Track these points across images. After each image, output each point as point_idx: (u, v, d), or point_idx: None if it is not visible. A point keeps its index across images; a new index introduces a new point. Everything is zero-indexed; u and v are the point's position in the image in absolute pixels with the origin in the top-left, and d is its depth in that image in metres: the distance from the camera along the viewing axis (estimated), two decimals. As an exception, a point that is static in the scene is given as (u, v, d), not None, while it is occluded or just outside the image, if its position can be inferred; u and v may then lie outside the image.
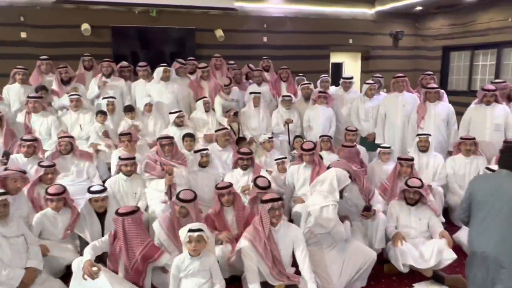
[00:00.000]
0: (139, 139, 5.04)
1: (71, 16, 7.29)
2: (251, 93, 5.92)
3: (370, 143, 5.66)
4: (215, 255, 3.06)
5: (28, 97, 5.13)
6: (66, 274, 3.43)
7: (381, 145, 4.88)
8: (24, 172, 3.62)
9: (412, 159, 4.18)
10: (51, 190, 3.50)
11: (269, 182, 3.83)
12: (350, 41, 9.47)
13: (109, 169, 4.93)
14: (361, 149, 5.12)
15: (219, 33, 8.13)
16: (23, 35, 7.12)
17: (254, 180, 3.84)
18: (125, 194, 4.15)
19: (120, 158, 4.24)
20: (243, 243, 3.02)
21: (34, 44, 7.12)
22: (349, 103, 6.11)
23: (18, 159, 4.26)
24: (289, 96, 5.97)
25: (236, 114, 5.77)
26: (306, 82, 6.28)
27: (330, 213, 3.18)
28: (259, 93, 5.92)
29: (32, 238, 3.19)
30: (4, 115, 4.84)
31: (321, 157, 4.51)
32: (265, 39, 8.71)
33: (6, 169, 3.57)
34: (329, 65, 9.48)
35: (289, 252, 3.12)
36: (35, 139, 4.42)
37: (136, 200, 4.18)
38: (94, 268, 2.84)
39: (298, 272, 3.12)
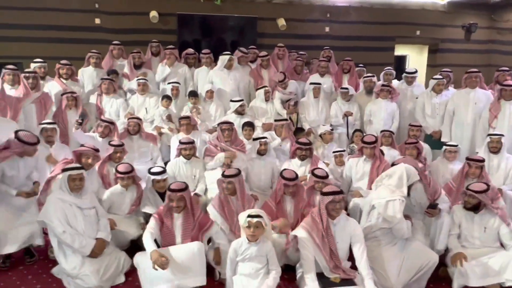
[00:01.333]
0: (197, 123, 5.19)
1: (141, 4, 7.60)
2: (311, 83, 5.85)
3: (435, 141, 5.39)
4: (272, 242, 3.09)
5: (102, 78, 5.47)
6: (129, 248, 3.66)
7: (448, 143, 4.64)
8: (97, 150, 3.88)
9: (482, 160, 3.92)
10: (121, 168, 3.72)
11: (326, 173, 3.80)
12: (418, 33, 9.00)
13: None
14: (425, 146, 4.90)
15: (281, 22, 8.09)
16: (97, 21, 7.56)
17: (312, 171, 3.83)
18: (185, 177, 4.30)
19: (180, 142, 4.40)
20: (300, 232, 3.03)
21: (106, 30, 7.54)
22: (412, 98, 5.86)
23: (95, 137, 4.56)
24: (346, 89, 5.82)
25: (296, 104, 5.75)
26: (369, 74, 6.08)
27: (396, 208, 3.09)
28: (320, 84, 5.84)
29: (102, 211, 3.44)
30: (79, 95, 5.19)
31: (382, 152, 4.38)
32: (327, 29, 8.53)
33: (82, 146, 3.85)
34: (393, 57, 9.10)
35: (346, 246, 3.08)
36: (112, 122, 4.71)
37: (195, 182, 4.33)
38: (164, 258, 2.90)
39: (353, 267, 3.08)
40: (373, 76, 6.06)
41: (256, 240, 2.92)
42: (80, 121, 4.63)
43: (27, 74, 4.82)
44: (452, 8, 9.01)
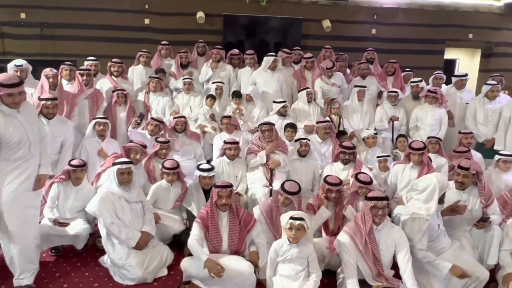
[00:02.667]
0: (238, 123, 5.24)
1: (189, 5, 7.78)
2: (355, 86, 5.76)
3: (486, 150, 5.12)
4: (313, 245, 3.06)
5: (150, 77, 5.66)
6: (172, 242, 3.77)
7: (501, 152, 4.39)
8: (145, 147, 4.02)
9: (543, 172, 3.69)
10: (168, 164, 3.83)
11: (370, 178, 3.72)
12: (470, 36, 8.61)
13: (212, 150, 5.22)
14: (477, 155, 4.68)
15: (326, 23, 8.01)
16: (147, 21, 7.82)
17: (355, 175, 3.75)
18: (228, 176, 4.35)
19: (224, 142, 4.46)
20: (343, 237, 2.98)
21: (155, 30, 7.78)
22: (461, 104, 5.62)
23: (145, 135, 4.72)
24: (396, 92, 5.68)
25: (333, 100, 5.69)
26: (416, 79, 5.89)
27: (415, 228, 3.03)
28: (364, 86, 5.74)
29: (148, 205, 3.56)
30: (128, 93, 5.39)
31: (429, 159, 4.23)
32: (373, 31, 8.36)
33: (131, 141, 4.00)
34: (443, 61, 8.76)
35: (390, 254, 3.00)
36: (162, 122, 4.85)
37: (237, 182, 4.37)
38: (219, 266, 2.90)
39: (397, 276, 2.99)
40: (421, 80, 5.86)
41: (298, 242, 2.91)
42: (139, 121, 4.83)
43: (82, 71, 5.06)
44: (509, 10, 8.54)
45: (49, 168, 3.14)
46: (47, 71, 4.71)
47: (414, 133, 5.51)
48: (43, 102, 4.08)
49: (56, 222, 3.52)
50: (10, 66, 4.97)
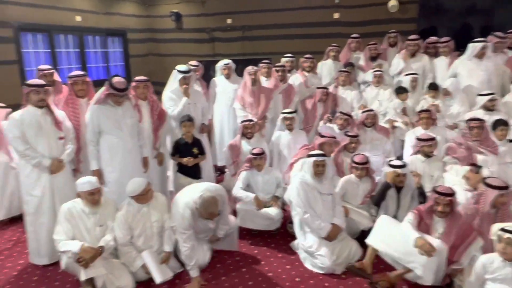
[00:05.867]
0: (437, 119, 4.78)
1: (382, -7, 7.49)
2: None
3: None
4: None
5: (339, 71, 5.71)
6: (359, 237, 3.70)
7: None
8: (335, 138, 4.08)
9: None
10: (358, 159, 3.80)
11: None
12: None
13: (402, 147, 4.93)
14: None
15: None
16: (336, 15, 7.89)
17: None
18: (422, 176, 4.02)
19: (418, 139, 4.14)
20: None
21: (344, 24, 7.79)
22: None
23: (334, 128, 4.81)
24: None
25: None
26: None
27: None
28: None
29: (338, 199, 3.60)
30: (331, 92, 5.52)
31: None
32: None
33: (322, 136, 4.13)
34: None
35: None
36: (351, 116, 4.86)
37: (434, 183, 4.00)
38: (430, 247, 2.86)
39: None
40: None
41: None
42: (330, 117, 5.00)
43: (277, 68, 5.47)
44: None
45: None
46: (249, 68, 5.25)
47: None
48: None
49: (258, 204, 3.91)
50: (219, 65, 5.78)
